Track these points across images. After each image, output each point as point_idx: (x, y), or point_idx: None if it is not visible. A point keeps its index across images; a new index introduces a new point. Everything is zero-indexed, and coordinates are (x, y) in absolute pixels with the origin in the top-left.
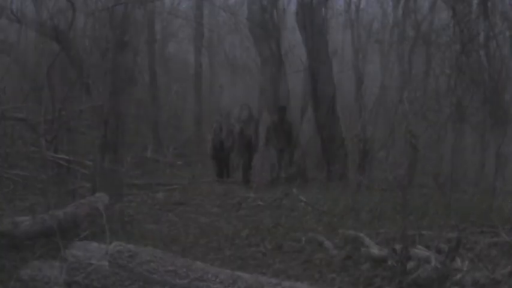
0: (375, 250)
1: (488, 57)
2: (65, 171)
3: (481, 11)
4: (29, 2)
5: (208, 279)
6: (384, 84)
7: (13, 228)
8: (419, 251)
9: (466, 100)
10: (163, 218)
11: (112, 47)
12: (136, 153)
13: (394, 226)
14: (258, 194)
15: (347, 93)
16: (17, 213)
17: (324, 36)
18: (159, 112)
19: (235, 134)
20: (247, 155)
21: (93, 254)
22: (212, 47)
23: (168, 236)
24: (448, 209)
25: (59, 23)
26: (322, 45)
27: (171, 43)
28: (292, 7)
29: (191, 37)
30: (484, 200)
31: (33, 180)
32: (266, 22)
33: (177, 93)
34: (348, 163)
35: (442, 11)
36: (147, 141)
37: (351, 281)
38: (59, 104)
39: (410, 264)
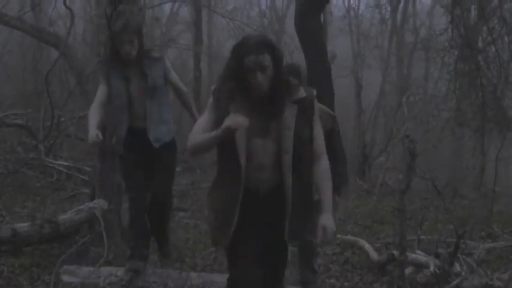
0: (374, 255)
1: (487, 62)
2: (64, 177)
3: (479, 15)
4: (28, 8)
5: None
6: (383, 89)
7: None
8: (418, 255)
9: (465, 104)
10: None
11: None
12: None
13: (393, 231)
14: None
15: (346, 98)
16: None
17: (322, 41)
18: None
19: None
20: None
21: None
22: (211, 52)
23: None
24: (447, 213)
25: (58, 29)
26: (320, 51)
27: (171, 49)
28: (291, 12)
29: (190, 43)
30: (484, 205)
31: (32, 186)
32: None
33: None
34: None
35: (441, 16)
36: None
37: (350, 286)
38: (58, 110)
39: (409, 269)
